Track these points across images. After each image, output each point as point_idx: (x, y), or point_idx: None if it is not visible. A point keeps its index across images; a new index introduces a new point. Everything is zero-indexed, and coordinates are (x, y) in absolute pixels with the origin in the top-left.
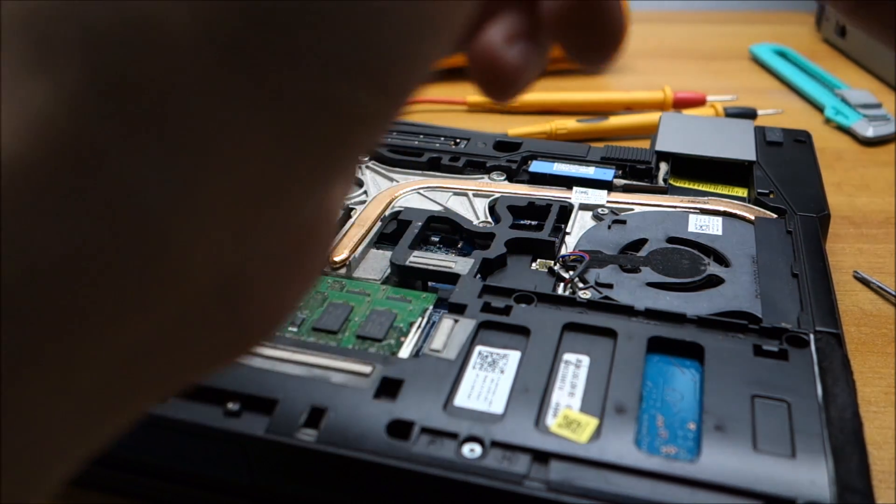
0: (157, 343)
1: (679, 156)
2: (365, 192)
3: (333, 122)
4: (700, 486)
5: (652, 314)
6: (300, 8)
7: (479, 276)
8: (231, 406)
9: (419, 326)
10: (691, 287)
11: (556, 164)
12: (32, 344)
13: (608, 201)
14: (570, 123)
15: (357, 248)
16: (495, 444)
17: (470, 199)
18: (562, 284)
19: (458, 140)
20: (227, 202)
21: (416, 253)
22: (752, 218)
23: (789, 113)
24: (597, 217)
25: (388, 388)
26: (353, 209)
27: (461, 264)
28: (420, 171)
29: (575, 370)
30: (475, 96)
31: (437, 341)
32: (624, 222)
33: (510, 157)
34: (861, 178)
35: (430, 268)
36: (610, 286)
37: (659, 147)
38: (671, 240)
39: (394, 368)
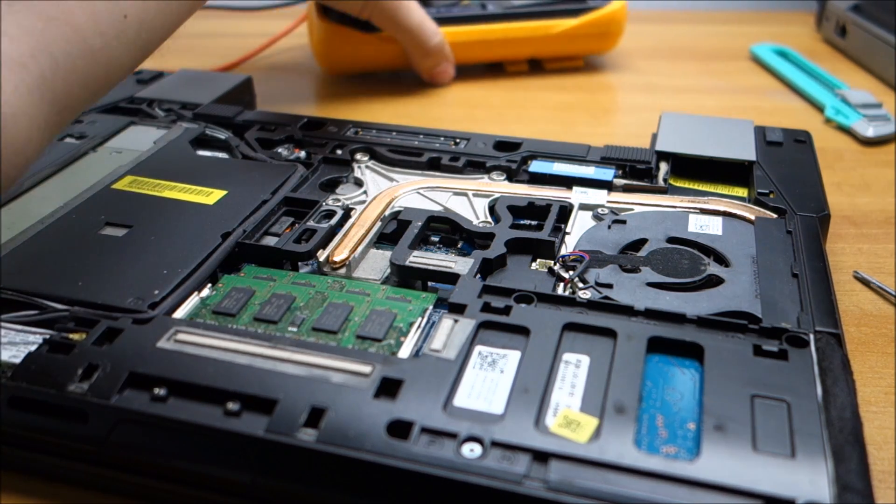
0: None
1: (679, 156)
2: (365, 192)
3: None
4: (700, 486)
5: (652, 314)
6: None
7: (479, 276)
8: (231, 406)
9: (419, 326)
10: (691, 287)
11: (555, 163)
12: None
13: (608, 201)
14: None
15: (357, 248)
16: (495, 444)
17: (470, 199)
18: (562, 284)
19: (458, 140)
20: None
21: (416, 253)
22: (752, 218)
23: (789, 113)
24: (597, 217)
25: (388, 388)
26: (352, 209)
27: (461, 264)
28: (420, 171)
29: (575, 370)
30: None
31: (437, 341)
32: (624, 222)
33: (510, 157)
34: (861, 178)
35: (430, 268)
36: (610, 286)
37: (659, 147)
38: (671, 240)
39: (394, 368)
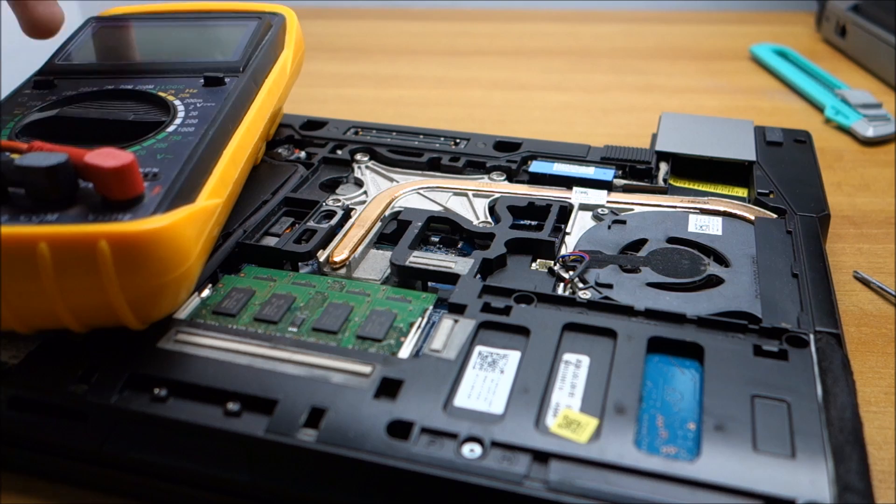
0: None
1: (679, 156)
2: (365, 192)
3: None
4: (700, 486)
5: (652, 314)
6: None
7: (479, 276)
8: (231, 406)
9: (419, 326)
10: (691, 287)
11: (555, 164)
12: None
13: (608, 201)
14: None
15: (357, 248)
16: (495, 444)
17: (470, 199)
18: (562, 284)
19: (458, 140)
20: None
21: (416, 253)
22: (752, 218)
23: (789, 113)
24: (597, 217)
25: (388, 388)
26: (353, 209)
27: (461, 264)
28: (420, 171)
29: (575, 370)
30: None
31: (437, 341)
32: (624, 222)
33: (510, 157)
34: (861, 178)
35: (430, 268)
36: (610, 286)
37: (659, 147)
38: (671, 240)
39: (394, 368)
